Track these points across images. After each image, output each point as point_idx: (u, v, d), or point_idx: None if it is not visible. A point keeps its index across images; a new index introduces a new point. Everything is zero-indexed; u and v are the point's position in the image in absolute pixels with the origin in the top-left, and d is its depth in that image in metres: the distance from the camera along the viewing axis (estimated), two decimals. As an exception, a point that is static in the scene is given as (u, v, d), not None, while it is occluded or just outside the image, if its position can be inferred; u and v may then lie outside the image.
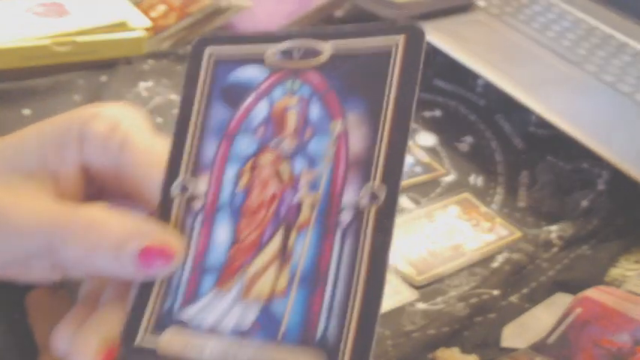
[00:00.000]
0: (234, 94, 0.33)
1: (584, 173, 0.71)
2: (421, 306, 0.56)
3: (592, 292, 0.57)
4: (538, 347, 0.54)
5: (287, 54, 0.32)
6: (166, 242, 0.31)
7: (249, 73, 0.33)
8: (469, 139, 0.77)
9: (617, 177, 0.67)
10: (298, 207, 0.30)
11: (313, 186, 0.30)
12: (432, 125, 0.78)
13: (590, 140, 0.67)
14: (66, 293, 0.68)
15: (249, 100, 0.32)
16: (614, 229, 0.66)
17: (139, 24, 0.76)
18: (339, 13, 0.91)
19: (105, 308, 0.33)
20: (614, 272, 0.62)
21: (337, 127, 0.31)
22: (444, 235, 0.63)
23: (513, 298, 0.58)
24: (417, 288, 0.58)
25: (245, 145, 0.32)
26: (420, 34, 0.30)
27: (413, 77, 0.29)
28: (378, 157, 0.29)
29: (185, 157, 0.33)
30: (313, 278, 0.28)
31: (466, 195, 0.69)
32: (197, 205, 0.33)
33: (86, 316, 0.34)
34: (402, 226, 0.64)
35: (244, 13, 0.84)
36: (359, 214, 0.29)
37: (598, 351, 0.53)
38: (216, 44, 0.33)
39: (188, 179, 0.33)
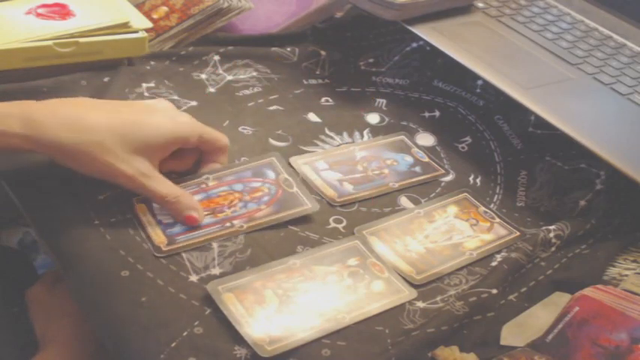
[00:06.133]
0: (258, 173, 0.66)
1: (583, 173, 0.72)
2: (421, 305, 0.57)
3: (590, 291, 0.57)
4: (537, 345, 0.54)
5: (285, 180, 0.66)
6: (198, 218, 0.61)
7: (270, 173, 0.67)
8: (468, 139, 0.77)
9: (615, 177, 0.67)
10: (221, 212, 0.62)
11: (233, 212, 0.62)
12: (432, 126, 0.79)
13: (588, 141, 0.67)
14: (64, 288, 0.69)
15: (258, 179, 0.66)
16: (611, 229, 0.66)
17: (140, 25, 0.76)
18: (339, 14, 0.92)
19: None
20: (612, 271, 0.62)
21: (262, 207, 0.63)
22: (443, 235, 0.64)
23: (512, 297, 0.59)
24: (417, 287, 0.58)
25: (238, 187, 0.65)
26: (315, 211, 0.64)
27: (292, 219, 0.63)
28: (254, 222, 0.62)
29: (224, 173, 0.66)
30: (196, 228, 0.61)
31: (465, 195, 0.69)
32: (203, 185, 0.65)
33: None
34: (402, 225, 0.64)
35: (245, 14, 0.84)
36: (229, 227, 0.61)
37: (596, 349, 0.53)
38: (276, 159, 0.68)
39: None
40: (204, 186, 0.64)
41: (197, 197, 0.63)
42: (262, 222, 0.62)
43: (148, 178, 0.60)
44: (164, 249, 0.58)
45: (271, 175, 0.66)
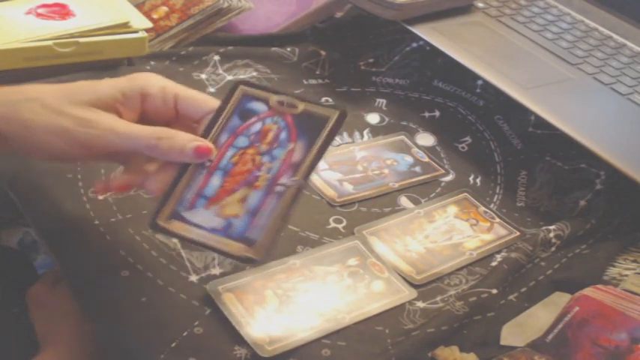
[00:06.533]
0: (246, 114, 0.55)
1: (583, 173, 0.72)
2: (421, 305, 0.57)
3: (590, 291, 0.57)
4: (537, 345, 0.54)
5: (280, 102, 0.54)
6: (208, 145, 0.53)
7: (258, 106, 0.55)
8: (468, 139, 0.77)
9: (615, 177, 0.67)
10: (257, 178, 0.52)
11: (268, 170, 0.53)
12: (432, 126, 0.79)
13: (588, 140, 0.67)
14: (64, 288, 0.69)
15: (252, 119, 0.54)
16: (611, 229, 0.66)
17: (140, 25, 0.76)
18: (339, 14, 0.92)
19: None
20: (612, 271, 0.62)
21: (290, 146, 0.53)
22: (443, 235, 0.64)
23: (512, 297, 0.59)
24: (417, 287, 0.58)
25: (242, 141, 0.54)
26: (344, 115, 0.53)
27: (332, 135, 0.53)
28: (302, 166, 0.52)
29: (210, 136, 0.54)
30: (255, 213, 0.52)
31: (465, 195, 0.69)
32: (207, 163, 0.53)
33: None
34: (402, 225, 0.64)
35: (245, 14, 0.85)
36: (286, 189, 0.52)
37: (596, 349, 0.53)
38: (246, 86, 0.55)
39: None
40: (208, 163, 0.53)
41: (215, 180, 0.53)
42: (309, 162, 0.52)
43: (125, 124, 0.51)
44: (257, 257, 0.51)
45: (261, 106, 0.54)
